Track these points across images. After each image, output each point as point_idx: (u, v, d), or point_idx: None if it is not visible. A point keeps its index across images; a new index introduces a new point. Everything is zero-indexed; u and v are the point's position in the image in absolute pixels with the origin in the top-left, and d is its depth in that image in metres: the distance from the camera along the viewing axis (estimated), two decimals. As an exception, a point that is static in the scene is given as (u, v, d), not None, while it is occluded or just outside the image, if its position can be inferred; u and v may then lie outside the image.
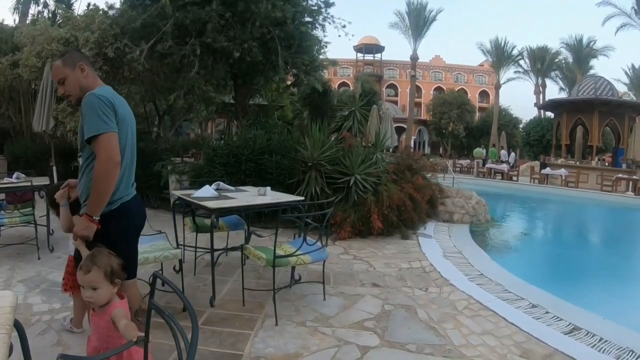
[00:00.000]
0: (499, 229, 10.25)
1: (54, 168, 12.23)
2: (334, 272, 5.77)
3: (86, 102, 2.72)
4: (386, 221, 7.77)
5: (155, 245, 4.64)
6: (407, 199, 8.11)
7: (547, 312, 4.58)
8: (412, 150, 11.83)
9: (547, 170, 22.76)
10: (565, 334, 4.10)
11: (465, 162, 30.95)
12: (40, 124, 11.75)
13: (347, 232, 7.58)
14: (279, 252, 4.31)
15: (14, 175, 7.02)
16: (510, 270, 6.27)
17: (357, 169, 8.01)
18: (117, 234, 2.82)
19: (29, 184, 6.53)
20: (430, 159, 11.62)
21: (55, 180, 12.23)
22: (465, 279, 5.65)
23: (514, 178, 23.65)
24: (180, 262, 4.62)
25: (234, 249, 5.80)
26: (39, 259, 6.24)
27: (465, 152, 46.23)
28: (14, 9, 25.75)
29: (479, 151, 29.67)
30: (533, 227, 12.58)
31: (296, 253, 4.32)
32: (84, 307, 3.76)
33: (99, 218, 2.72)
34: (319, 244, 4.46)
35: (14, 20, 24.76)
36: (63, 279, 3.92)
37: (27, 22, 20.67)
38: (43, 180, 7.29)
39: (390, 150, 10.63)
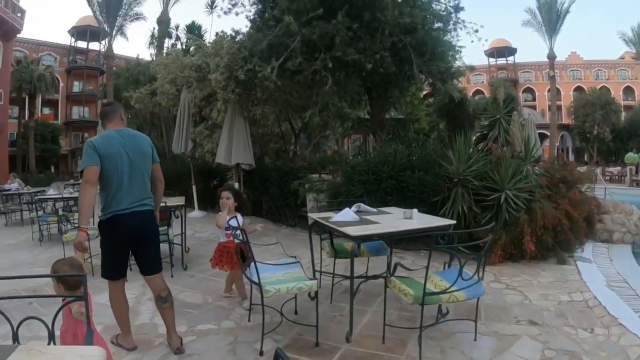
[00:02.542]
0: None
1: (194, 187, 12.76)
2: (485, 305, 5.10)
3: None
4: (540, 243, 6.96)
5: (289, 273, 4.39)
6: (563, 217, 7.23)
7: None
8: (562, 158, 10.65)
9: None
10: None
11: (615, 169, 28.35)
12: (179, 146, 12.32)
13: (498, 256, 6.88)
14: (429, 286, 3.83)
15: None
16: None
17: (507, 184, 7.22)
18: (103, 239, 3.92)
19: (164, 204, 6.70)
20: (578, 168, 10.54)
21: (195, 198, 12.72)
22: (636, 316, 4.78)
23: (675, 185, 21.24)
24: (317, 290, 4.27)
25: (375, 277, 5.37)
26: (172, 276, 6.39)
27: (613, 157, 42.58)
28: (149, 44, 27.99)
29: (632, 156, 26.93)
30: None
31: (450, 289, 3.77)
32: (232, 280, 5.47)
33: (86, 227, 3.66)
34: (475, 277, 3.89)
35: (150, 54, 26.90)
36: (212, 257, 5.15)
37: (163, 55, 22.18)
38: (179, 201, 7.57)
39: (534, 160, 9.73)
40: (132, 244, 3.93)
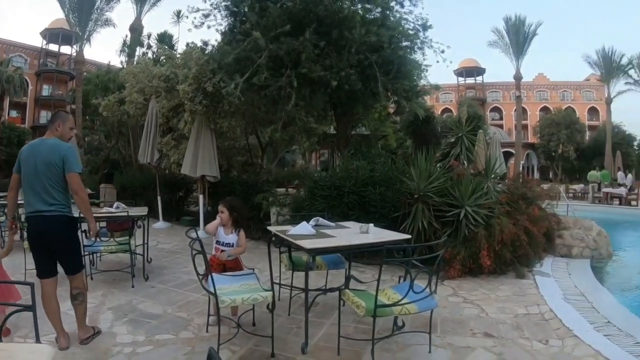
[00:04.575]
0: (623, 264, 9.22)
1: (159, 198, 12.63)
2: (442, 318, 5.20)
3: None
4: (498, 258, 7.08)
5: (245, 284, 4.41)
6: (522, 232, 7.37)
7: (687, 371, 3.82)
8: (525, 176, 10.85)
9: (670, 192, 20.74)
10: None
11: (578, 186, 28.91)
12: (145, 156, 12.22)
13: (457, 270, 6.95)
14: (382, 299, 3.89)
15: (114, 205, 7.37)
16: (640, 316, 5.48)
17: (467, 200, 7.37)
18: None
19: (126, 213, 6.84)
20: (542, 185, 10.73)
21: (160, 209, 12.58)
22: (591, 328, 4.92)
23: (633, 203, 21.68)
24: (274, 301, 4.29)
25: (331, 290, 5.44)
26: (132, 287, 6.40)
27: (577, 175, 43.51)
28: (120, 51, 27.68)
29: (594, 174, 27.60)
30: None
31: (401, 302, 3.83)
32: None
33: (10, 218, 4.59)
34: (427, 290, 3.94)
35: (121, 62, 26.59)
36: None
37: (134, 63, 21.97)
38: (141, 211, 7.52)
39: (498, 177, 9.92)
40: (45, 246, 4.29)
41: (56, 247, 4.31)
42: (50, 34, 49.00)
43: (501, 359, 4.18)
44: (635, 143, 43.01)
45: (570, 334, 4.75)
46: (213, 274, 4.20)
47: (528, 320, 5.24)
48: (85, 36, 30.31)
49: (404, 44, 9.90)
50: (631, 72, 42.11)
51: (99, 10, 30.32)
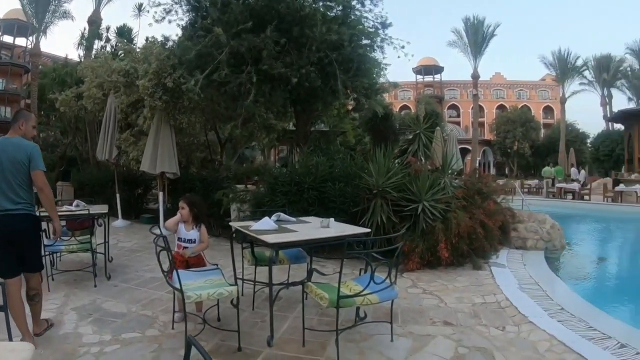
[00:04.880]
0: (576, 255, 9.62)
1: (118, 196, 12.41)
2: (402, 308, 5.34)
3: None
4: (455, 251, 7.30)
5: (210, 280, 4.46)
6: (478, 226, 7.59)
7: (637, 353, 4.05)
8: (482, 172, 11.15)
9: (621, 187, 21.49)
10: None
11: (533, 182, 29.72)
12: (103, 153, 12.02)
13: (416, 263, 7.12)
14: (344, 290, 3.99)
15: (74, 203, 7.26)
16: (592, 302, 5.74)
17: (424, 195, 7.53)
18: None
19: (87, 211, 6.71)
20: (498, 181, 11.03)
21: (119, 207, 12.38)
22: (545, 314, 5.14)
23: (586, 197, 22.40)
24: (238, 296, 4.34)
25: (294, 284, 5.48)
26: (95, 286, 6.29)
27: (532, 171, 44.82)
28: (78, 44, 26.87)
29: (548, 170, 28.35)
30: (613, 251, 11.73)
31: (362, 292, 3.94)
32: None
33: None
34: (387, 281, 4.06)
35: (79, 55, 25.80)
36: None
37: (92, 57, 21.42)
38: (102, 209, 7.40)
39: (455, 173, 10.18)
40: (11, 245, 4.19)
41: (23, 245, 4.27)
42: (5, 25, 46.23)
43: (460, 345, 4.34)
44: (589, 141, 44.32)
45: (526, 320, 4.97)
46: (179, 270, 4.22)
47: (485, 309, 5.45)
48: (42, 28, 29.44)
49: (364, 42, 10.00)
50: (586, 73, 43.81)
51: (57, 2, 29.44)
